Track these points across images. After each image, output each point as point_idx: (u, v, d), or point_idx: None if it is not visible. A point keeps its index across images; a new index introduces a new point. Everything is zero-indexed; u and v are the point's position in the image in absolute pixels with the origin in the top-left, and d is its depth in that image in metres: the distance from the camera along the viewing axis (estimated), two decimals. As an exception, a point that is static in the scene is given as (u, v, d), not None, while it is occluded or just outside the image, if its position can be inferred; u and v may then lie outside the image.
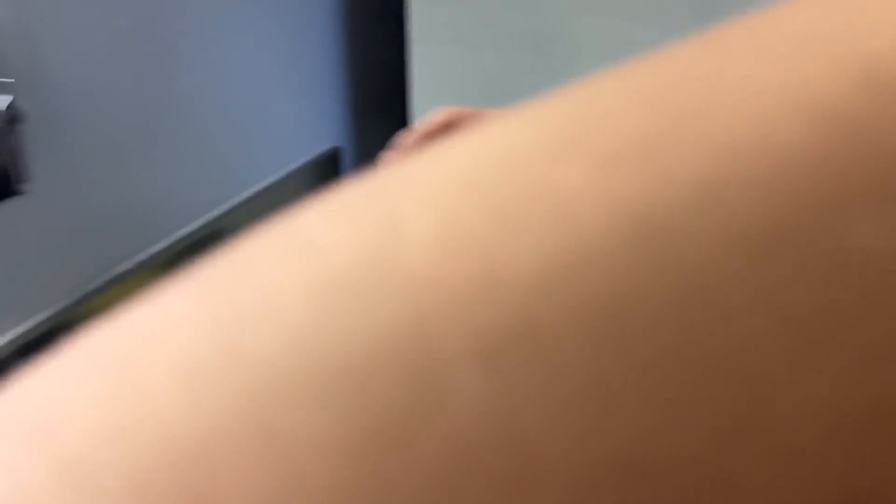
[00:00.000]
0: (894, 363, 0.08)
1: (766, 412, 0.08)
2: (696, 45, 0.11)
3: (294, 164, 1.05)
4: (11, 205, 0.64)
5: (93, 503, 0.09)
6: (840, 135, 0.09)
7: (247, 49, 0.92)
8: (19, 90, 0.63)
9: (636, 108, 0.10)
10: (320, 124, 1.12)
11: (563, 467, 0.08)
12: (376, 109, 1.22)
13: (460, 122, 0.68)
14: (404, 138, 0.58)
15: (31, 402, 0.10)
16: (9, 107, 0.56)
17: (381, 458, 0.08)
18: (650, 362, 0.08)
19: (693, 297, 0.08)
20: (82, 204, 0.73)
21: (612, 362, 0.08)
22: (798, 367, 0.08)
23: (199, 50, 0.84)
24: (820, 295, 0.08)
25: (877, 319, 0.08)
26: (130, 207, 0.78)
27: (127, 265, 0.80)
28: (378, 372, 0.09)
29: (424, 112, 1.10)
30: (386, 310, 0.09)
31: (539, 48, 0.98)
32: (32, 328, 0.69)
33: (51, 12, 0.66)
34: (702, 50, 0.11)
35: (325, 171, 1.10)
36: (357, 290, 0.09)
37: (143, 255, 0.81)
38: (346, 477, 0.08)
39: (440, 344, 0.09)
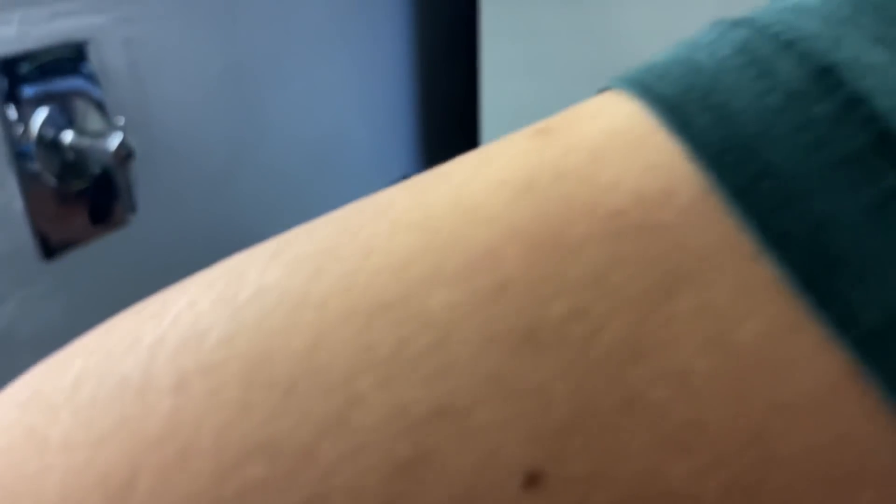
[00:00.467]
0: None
1: None
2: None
3: (369, 191, 1.09)
4: (119, 234, 0.70)
5: None
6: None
7: (326, 83, 0.97)
8: (129, 128, 0.69)
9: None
10: (394, 154, 1.16)
11: None
12: (447, 139, 1.26)
13: None
14: None
15: None
16: (121, 144, 0.61)
17: None
18: None
19: None
20: (181, 232, 0.78)
21: None
22: None
23: (283, 86, 0.89)
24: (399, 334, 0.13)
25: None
26: (223, 236, 0.84)
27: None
28: None
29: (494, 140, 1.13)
30: None
31: (607, 79, 1.00)
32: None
33: (155, 57, 0.72)
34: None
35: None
36: None
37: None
38: None
39: None
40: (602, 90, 0.18)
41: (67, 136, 0.62)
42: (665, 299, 0.12)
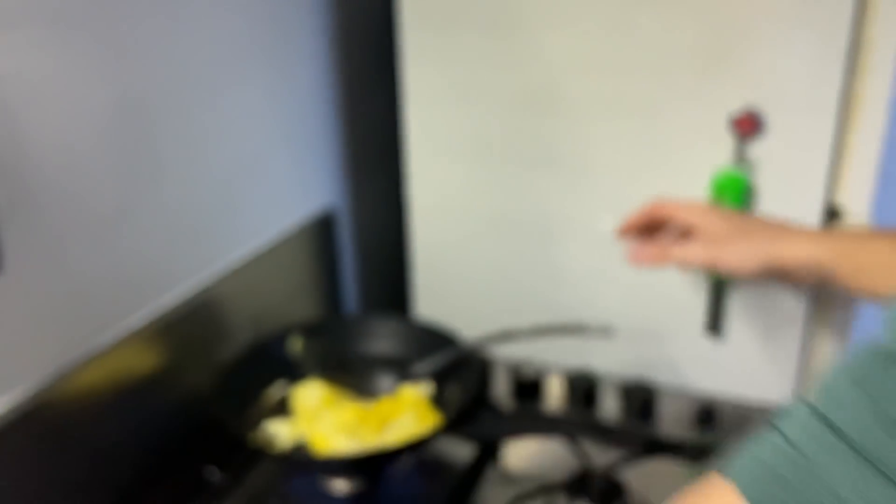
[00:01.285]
0: None
1: None
2: None
3: (285, 227, 1.03)
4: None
5: None
6: None
7: (235, 113, 0.91)
8: (-4, 175, 0.61)
9: None
10: (315, 185, 1.10)
11: None
12: (372, 167, 1.20)
13: (661, 212, 0.68)
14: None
15: None
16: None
17: None
18: None
19: None
20: (60, 286, 0.71)
21: None
22: None
23: (184, 117, 0.83)
24: None
25: None
26: (110, 288, 0.76)
27: (110, 338, 0.77)
28: None
29: (419, 170, 1.09)
30: None
31: (531, 106, 0.96)
32: (11, 407, 0.67)
33: (28, 93, 0.65)
34: None
35: (319, 233, 1.08)
36: None
37: (127, 327, 0.79)
38: None
39: None
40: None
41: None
42: None
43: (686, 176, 0.91)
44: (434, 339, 0.89)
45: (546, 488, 0.78)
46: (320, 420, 0.83)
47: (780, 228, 0.74)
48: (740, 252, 0.69)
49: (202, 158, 0.87)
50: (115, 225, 0.76)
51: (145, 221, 0.80)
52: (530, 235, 1.06)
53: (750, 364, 1.02)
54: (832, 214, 0.88)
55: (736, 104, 0.86)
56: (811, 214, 0.87)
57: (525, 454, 0.88)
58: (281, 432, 0.83)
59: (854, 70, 0.84)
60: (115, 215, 0.76)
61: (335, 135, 1.11)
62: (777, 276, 0.69)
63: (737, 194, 0.88)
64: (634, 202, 0.87)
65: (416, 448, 0.81)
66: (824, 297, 0.96)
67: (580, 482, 0.77)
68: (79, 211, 0.72)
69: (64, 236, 0.71)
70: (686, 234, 0.78)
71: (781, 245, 0.69)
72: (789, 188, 0.87)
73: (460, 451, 0.86)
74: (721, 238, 0.72)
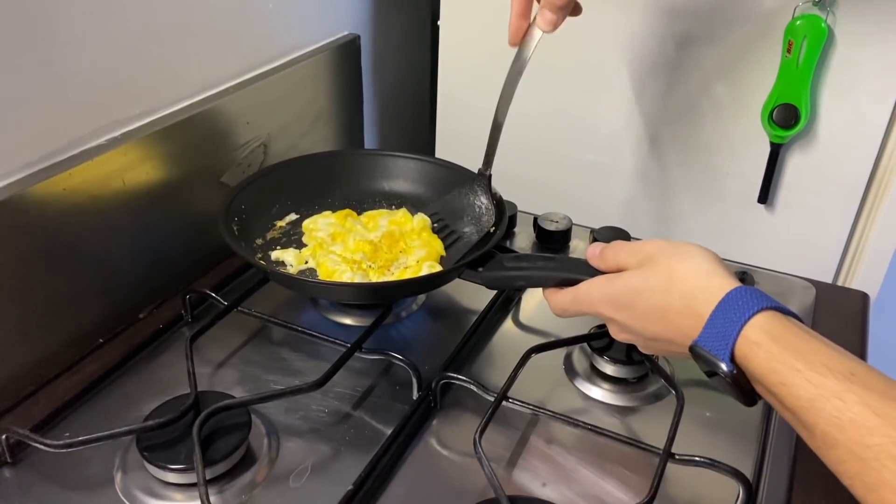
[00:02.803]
0: None
1: None
2: None
3: (309, 48, 0.95)
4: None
5: None
6: None
7: None
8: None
9: None
10: (338, 7, 1.00)
11: None
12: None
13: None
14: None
15: None
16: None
17: None
18: None
19: None
20: (47, 69, 0.64)
21: None
22: None
23: None
24: None
25: None
26: (108, 79, 0.69)
27: (104, 140, 0.71)
28: None
29: (447, 5, 0.98)
30: None
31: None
32: None
33: None
34: None
35: (341, 58, 0.99)
36: None
37: (138, 125, 0.73)
38: None
39: None
40: None
41: None
42: None
43: None
44: (454, 179, 0.82)
45: (566, 341, 0.73)
46: (328, 252, 0.77)
47: None
48: None
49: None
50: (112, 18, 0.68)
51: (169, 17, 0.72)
52: (558, 84, 0.97)
53: (793, 238, 0.94)
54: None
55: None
56: None
57: (545, 304, 0.83)
58: (287, 260, 0.78)
59: None
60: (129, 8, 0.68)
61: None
62: None
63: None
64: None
65: (427, 285, 0.75)
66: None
67: (601, 336, 0.72)
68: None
69: (52, 20, 0.63)
70: None
71: None
72: None
73: (478, 295, 0.80)
74: None
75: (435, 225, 0.80)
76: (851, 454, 0.38)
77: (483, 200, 0.77)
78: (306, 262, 0.77)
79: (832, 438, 0.39)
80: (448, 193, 0.80)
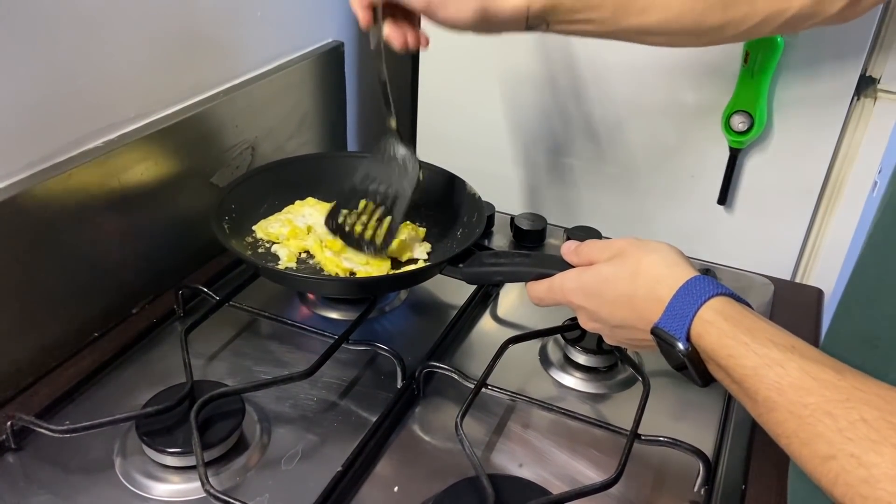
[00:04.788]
0: None
1: None
2: None
3: (295, 54, 0.98)
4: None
5: None
6: None
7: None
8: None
9: None
10: (324, 17, 1.04)
11: None
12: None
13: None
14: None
15: None
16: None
17: None
18: None
19: None
20: (48, 73, 0.67)
21: None
22: None
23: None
24: None
25: None
26: (104, 82, 0.72)
27: (102, 142, 0.74)
28: None
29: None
30: None
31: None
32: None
33: None
34: None
35: (326, 65, 1.03)
36: None
37: (133, 127, 0.76)
38: None
39: None
40: None
41: None
42: None
43: None
44: (434, 179, 0.86)
45: (541, 332, 0.77)
46: (311, 241, 0.80)
47: None
48: (457, 2, 0.65)
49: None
50: (114, 32, 0.71)
51: (151, 31, 0.75)
52: (537, 87, 1.01)
53: (753, 238, 1.00)
54: None
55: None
56: None
57: (521, 300, 0.88)
58: (279, 254, 0.81)
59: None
60: (111, 22, 0.71)
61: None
62: (493, 27, 0.67)
63: None
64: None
65: (410, 280, 0.80)
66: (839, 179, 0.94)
67: (574, 328, 0.77)
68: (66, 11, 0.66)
69: (52, 26, 0.66)
70: None
71: None
72: None
73: (458, 291, 0.85)
74: None
75: (377, 191, 0.80)
76: (790, 414, 0.42)
77: (402, 151, 0.79)
78: (297, 258, 0.81)
79: (772, 402, 0.44)
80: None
